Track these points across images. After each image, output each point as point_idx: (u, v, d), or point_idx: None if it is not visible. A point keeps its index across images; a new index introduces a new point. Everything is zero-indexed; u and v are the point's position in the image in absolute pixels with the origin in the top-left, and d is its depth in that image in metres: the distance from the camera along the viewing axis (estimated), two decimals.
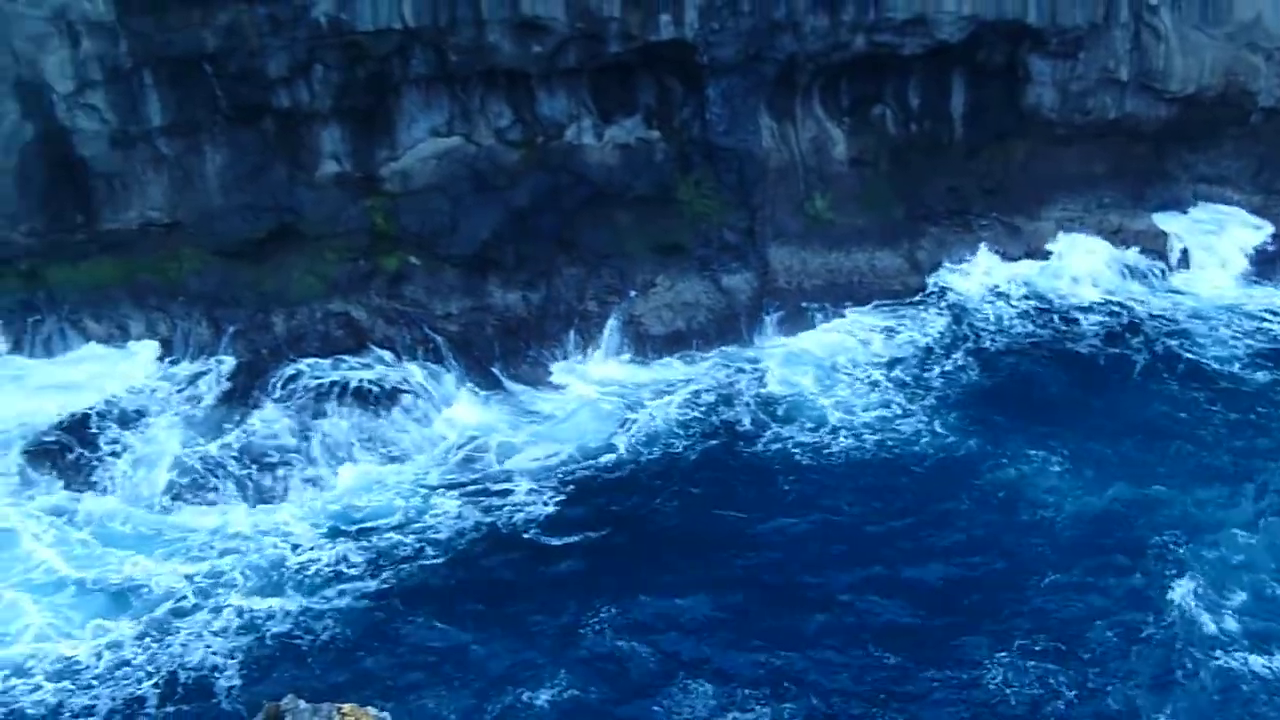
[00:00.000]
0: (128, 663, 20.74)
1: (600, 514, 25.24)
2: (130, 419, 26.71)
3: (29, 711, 19.65)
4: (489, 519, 24.83)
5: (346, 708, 5.03)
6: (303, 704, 5.15)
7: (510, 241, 31.20)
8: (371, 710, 5.14)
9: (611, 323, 31.18)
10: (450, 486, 25.85)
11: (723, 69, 32.11)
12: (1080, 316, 33.08)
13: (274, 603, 22.23)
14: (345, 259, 30.69)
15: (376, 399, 28.40)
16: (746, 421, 28.42)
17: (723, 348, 31.34)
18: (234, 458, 26.00)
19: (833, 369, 30.40)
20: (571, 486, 26.07)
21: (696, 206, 32.50)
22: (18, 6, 27.60)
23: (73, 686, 20.14)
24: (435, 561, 23.66)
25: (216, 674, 20.56)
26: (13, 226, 28.94)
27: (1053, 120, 35.58)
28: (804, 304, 32.66)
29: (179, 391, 27.84)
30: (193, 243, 30.08)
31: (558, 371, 30.43)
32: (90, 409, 26.97)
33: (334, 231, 30.67)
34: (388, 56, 30.23)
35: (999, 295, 33.69)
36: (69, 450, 25.76)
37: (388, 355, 29.71)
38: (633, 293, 31.82)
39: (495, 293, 31.12)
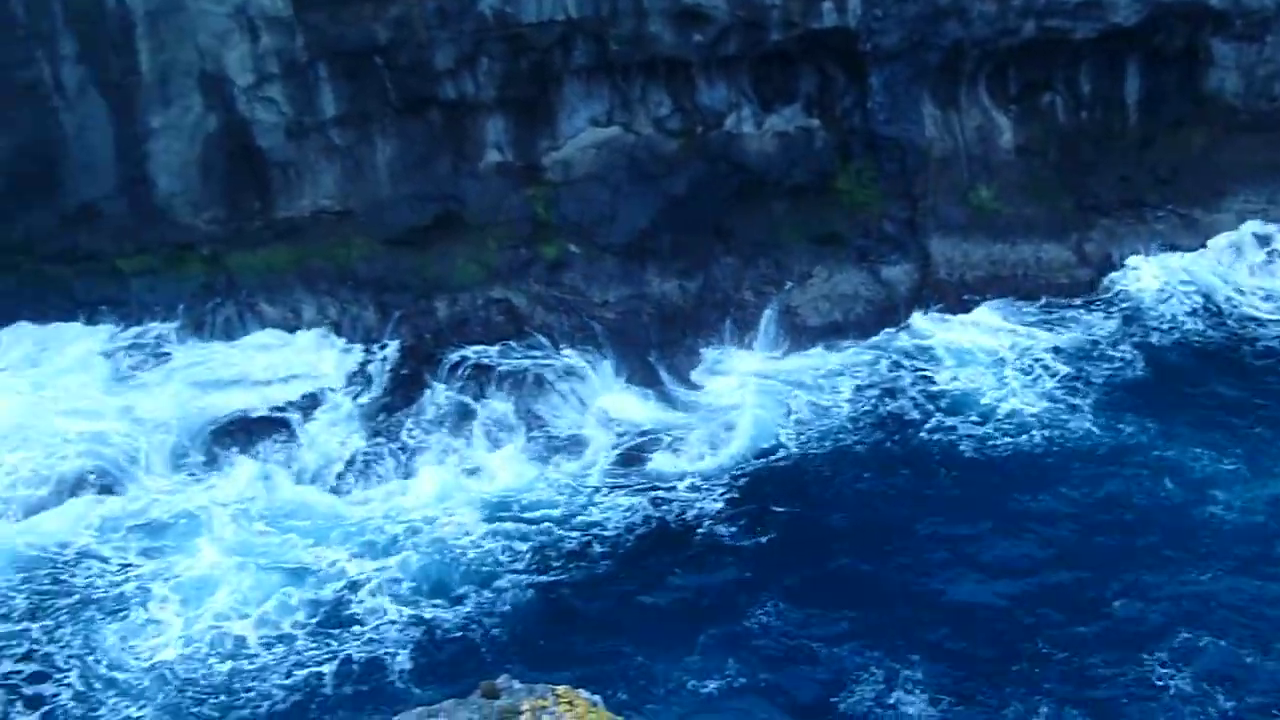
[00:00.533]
0: (302, 646, 21.42)
1: (766, 507, 25.11)
2: (304, 403, 27.66)
3: (204, 690, 20.45)
4: (653, 511, 24.92)
5: (561, 689, 5.10)
6: (517, 684, 5.25)
7: (668, 230, 31.31)
8: (584, 693, 5.19)
9: (768, 313, 31.01)
10: (610, 476, 26.07)
11: (885, 56, 31.58)
12: (1258, 315, 31.50)
13: (443, 589, 22.73)
14: (506, 247, 31.24)
15: (536, 386, 28.83)
16: (911, 414, 27.90)
17: (881, 340, 30.85)
18: (402, 442, 26.71)
19: (997, 362, 29.64)
20: (737, 479, 26.01)
21: (856, 196, 32.08)
22: (202, 4, 28.85)
23: (249, 667, 20.88)
24: (600, 551, 23.87)
25: (388, 658, 21.09)
26: (196, 214, 30.36)
27: (1235, 107, 33.92)
28: (966, 296, 31.92)
29: (349, 375, 28.71)
30: (362, 230, 31.03)
31: (713, 361, 30.38)
32: (267, 393, 27.98)
33: (496, 220, 31.24)
34: (550, 48, 30.63)
35: (1172, 291, 32.29)
36: (248, 433, 26.79)
37: (546, 342, 30.16)
38: (789, 283, 31.58)
39: (652, 281, 31.28)
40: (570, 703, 4.96)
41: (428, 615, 22.23)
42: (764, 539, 24.21)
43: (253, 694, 20.21)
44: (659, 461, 26.63)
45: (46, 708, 19.78)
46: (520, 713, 4.78)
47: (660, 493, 25.50)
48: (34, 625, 21.40)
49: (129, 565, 22.90)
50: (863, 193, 32.15)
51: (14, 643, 21.14)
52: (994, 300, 31.77)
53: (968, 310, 31.57)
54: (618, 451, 26.91)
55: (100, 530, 23.71)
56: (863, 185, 32.18)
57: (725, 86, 32.07)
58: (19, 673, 20.46)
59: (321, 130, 30.47)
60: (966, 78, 32.95)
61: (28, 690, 20.11)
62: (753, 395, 28.70)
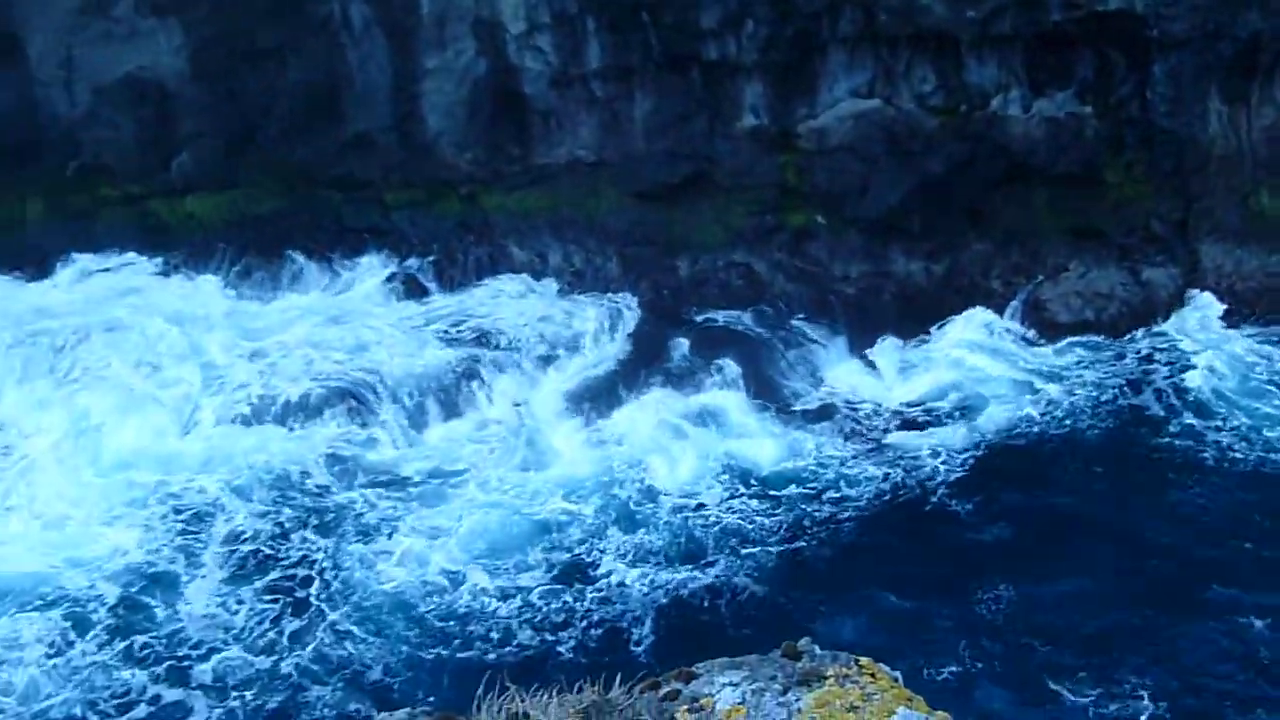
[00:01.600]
0: (539, 599, 21.75)
1: (1005, 487, 24.62)
2: (546, 351, 28.42)
3: (437, 629, 21.06)
4: (895, 482, 24.66)
5: (864, 660, 5.05)
6: (819, 649, 5.24)
7: (919, 209, 30.60)
8: (884, 668, 5.15)
9: (1014, 304, 30.00)
10: (847, 447, 25.89)
11: (1173, 44, 29.78)
12: None
13: (690, 554, 22.85)
14: (752, 212, 31.21)
15: (770, 353, 28.84)
16: (1155, 414, 26.58)
17: (1133, 342, 29.39)
18: (640, 400, 27.13)
19: (1256, 377, 27.82)
20: (976, 456, 25.51)
21: (1125, 191, 30.50)
22: None
23: (485, 613, 21.35)
24: (845, 519, 23.73)
25: (632, 626, 21.20)
26: (459, 153, 31.53)
27: None
28: (1231, 307, 30.02)
29: (589, 327, 29.33)
30: (613, 182, 31.56)
31: (950, 347, 29.63)
32: (510, 334, 28.90)
33: (745, 184, 31.22)
34: (817, 14, 30.22)
35: None
36: (493, 376, 27.62)
37: (784, 311, 30.07)
38: (1041, 275, 30.41)
39: (897, 260, 30.70)
40: (873, 675, 4.92)
41: (673, 578, 22.26)
42: (1005, 518, 23.69)
43: (487, 640, 20.70)
44: (896, 436, 26.27)
45: (293, 619, 21.00)
46: (825, 677, 4.77)
47: (900, 465, 25.20)
48: (290, 537, 22.79)
49: (379, 495, 24.00)
50: (1132, 188, 30.54)
51: (269, 552, 22.53)
52: (1264, 315, 29.74)
53: (1233, 321, 29.68)
54: (853, 423, 26.63)
55: (353, 458, 24.92)
56: (1133, 180, 30.57)
57: (995, 66, 30.93)
58: (274, 582, 21.81)
59: (584, 81, 31.06)
60: (1262, 73, 30.74)
61: (275, 603, 21.38)
62: (990, 379, 27.92)
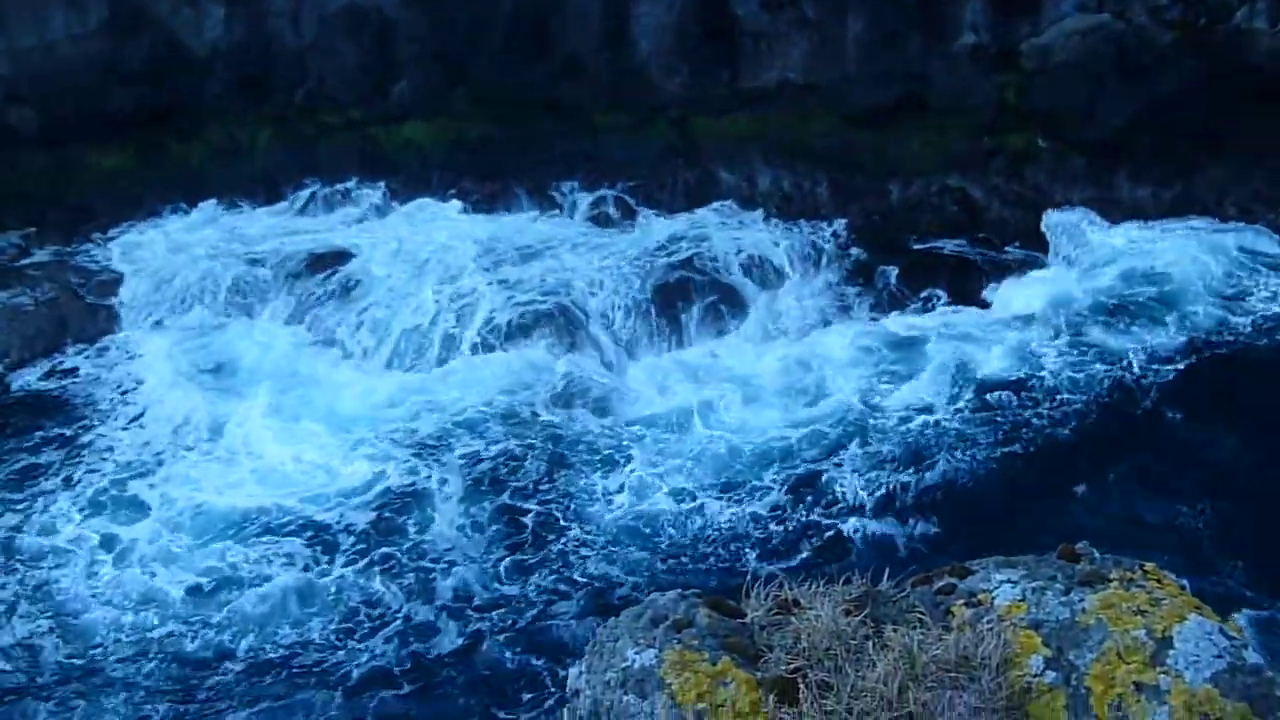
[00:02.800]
0: (776, 526, 21.72)
1: (1216, 391, 24.07)
2: (758, 275, 28.49)
3: (663, 552, 21.34)
4: (1108, 383, 24.32)
5: (1149, 566, 4.96)
6: (1096, 553, 5.18)
7: (1148, 131, 29.07)
8: (1170, 575, 5.06)
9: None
10: (1058, 346, 25.63)
11: None
12: None
13: (908, 461, 22.77)
14: (968, 134, 30.21)
15: (981, 275, 28.31)
16: None
17: None
18: (850, 324, 27.09)
19: None
20: (1182, 360, 24.89)
21: None
22: None
23: (712, 536, 21.56)
24: (1067, 426, 23.38)
25: (872, 534, 21.16)
26: (668, 77, 31.41)
27: None
28: None
29: (799, 251, 29.20)
30: (823, 105, 30.98)
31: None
32: (719, 260, 28.98)
33: (961, 106, 30.20)
34: None
35: None
36: (703, 301, 27.81)
37: (997, 238, 29.33)
38: None
39: (1123, 186, 29.38)
40: (1159, 580, 4.83)
41: (897, 486, 22.23)
42: (1227, 422, 23.29)
43: (725, 560, 20.96)
44: (1102, 336, 25.77)
45: (530, 545, 21.94)
46: (1109, 580, 4.71)
47: (1113, 366, 24.76)
48: (524, 464, 23.68)
49: (603, 424, 24.64)
50: None
51: (503, 480, 23.45)
52: None
53: None
54: (1060, 324, 26.23)
55: (573, 386, 25.53)
56: None
57: None
58: (510, 509, 22.81)
59: (795, 3, 30.41)
60: None
61: (512, 529, 22.37)
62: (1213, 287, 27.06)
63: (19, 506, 22.74)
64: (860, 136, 30.78)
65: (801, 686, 3.78)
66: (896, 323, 27.14)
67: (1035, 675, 4.24)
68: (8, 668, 19.37)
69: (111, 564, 21.28)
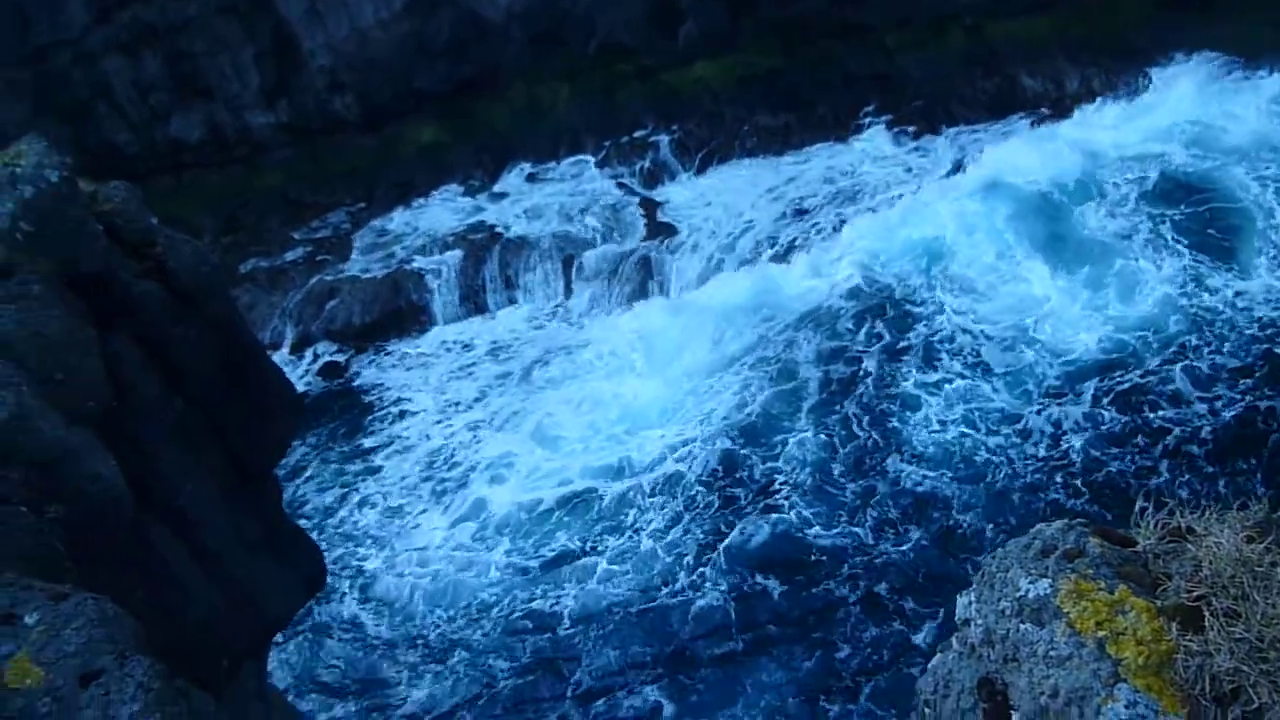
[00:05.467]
0: (1113, 446, 21.04)
1: None
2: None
3: (959, 476, 21.03)
4: None
5: None
6: None
7: None
8: None
9: None
10: None
11: None
12: None
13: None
14: None
15: None
16: None
17: None
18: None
19: None
20: None
21: None
22: None
23: (976, 463, 21.20)
24: None
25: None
26: None
27: None
28: None
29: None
30: None
31: None
32: (1025, 174, 27.62)
33: None
34: None
35: None
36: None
37: None
38: None
39: None
40: None
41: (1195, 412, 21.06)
42: None
43: (1067, 479, 20.72)
44: None
45: (872, 456, 21.97)
46: None
47: None
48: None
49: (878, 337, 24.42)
50: None
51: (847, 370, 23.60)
52: None
53: None
54: None
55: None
56: None
57: None
58: (848, 417, 22.89)
59: None
60: None
61: (856, 437, 22.40)
62: None
63: (360, 476, 24.27)
64: (1174, 20, 28.52)
65: (1206, 614, 3.66)
66: None
67: None
68: (365, 632, 20.73)
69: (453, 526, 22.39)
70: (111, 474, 8.26)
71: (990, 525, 19.76)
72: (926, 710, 3.84)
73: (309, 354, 28.30)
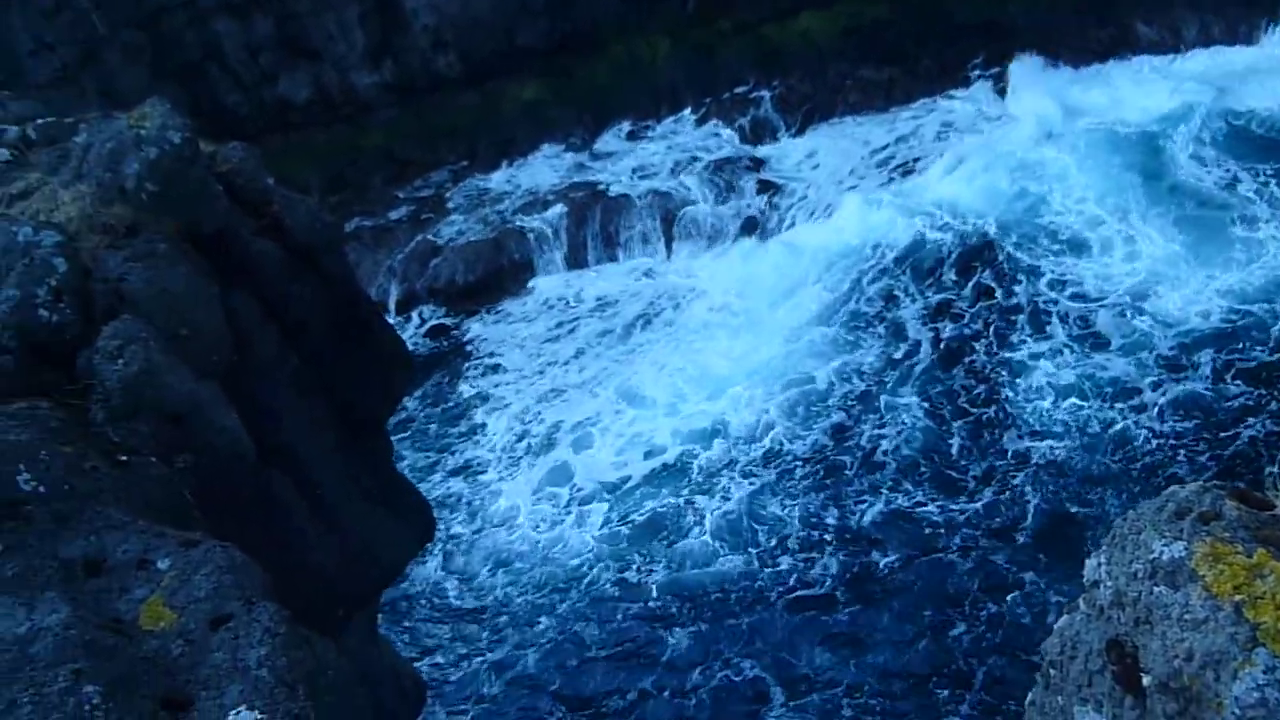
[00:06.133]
0: None
1: None
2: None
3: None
4: None
5: None
6: None
7: None
8: None
9: None
10: None
11: None
12: None
13: None
14: None
15: None
16: None
17: None
18: None
19: None
20: None
21: None
22: None
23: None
24: None
25: None
26: None
27: None
28: None
29: None
30: None
31: None
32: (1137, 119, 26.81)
33: None
34: None
35: None
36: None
37: None
38: None
39: None
40: None
41: None
42: None
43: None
44: None
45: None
46: None
47: None
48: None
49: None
50: None
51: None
52: None
53: None
54: None
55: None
56: None
57: None
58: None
59: None
60: None
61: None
62: None
63: (453, 437, 24.54)
64: None
65: None
66: None
67: None
68: (449, 595, 20.86)
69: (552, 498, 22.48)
70: (235, 426, 8.52)
71: (1111, 500, 19.21)
72: (1052, 671, 3.80)
73: (414, 313, 28.77)
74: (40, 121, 10.56)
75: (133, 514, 6.68)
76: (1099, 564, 3.77)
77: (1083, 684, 3.65)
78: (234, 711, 5.39)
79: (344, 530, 10.24)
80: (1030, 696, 3.97)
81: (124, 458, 7.28)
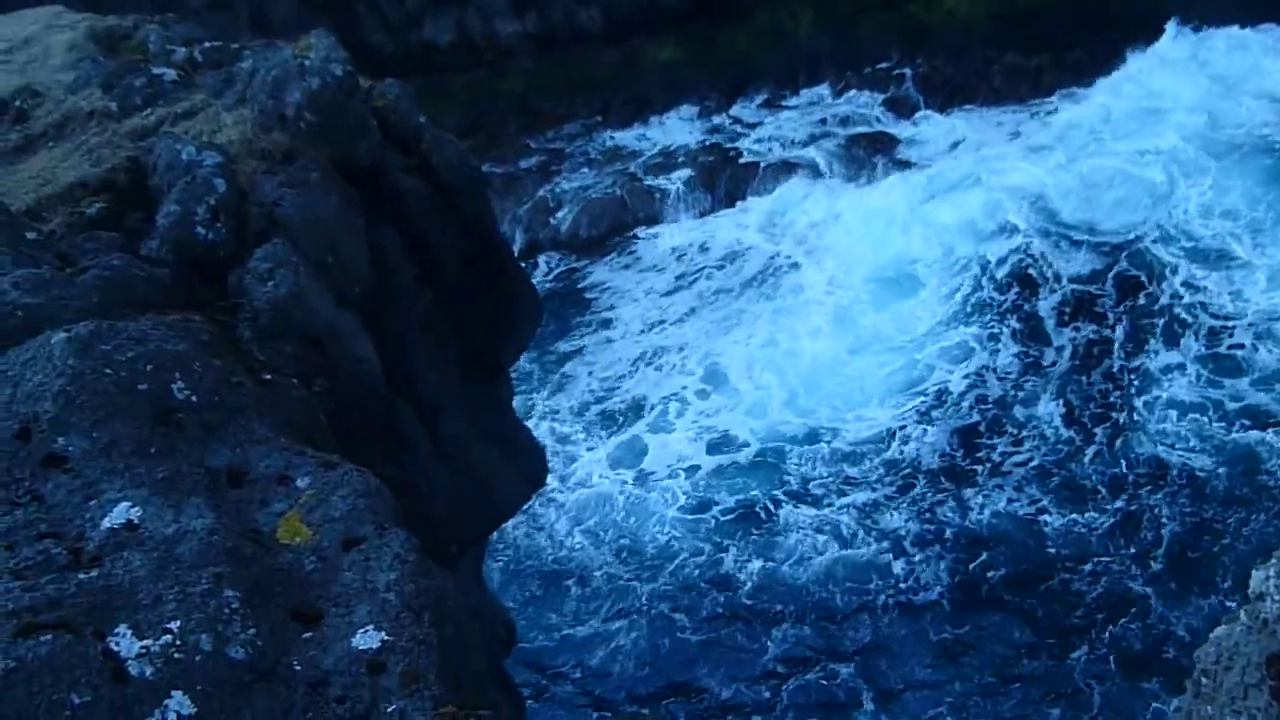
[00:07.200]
0: None
1: None
2: None
3: None
4: None
5: None
6: None
7: None
8: None
9: None
10: None
11: None
12: None
13: None
14: None
15: None
16: None
17: None
18: None
19: None
20: None
21: None
22: None
23: None
24: None
25: None
26: None
27: None
28: None
29: None
30: None
31: None
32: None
33: None
34: None
35: None
36: None
37: None
38: None
39: None
40: None
41: None
42: None
43: None
44: None
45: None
46: None
47: None
48: None
49: None
50: None
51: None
52: None
53: None
54: None
55: None
56: None
57: None
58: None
59: None
60: None
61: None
62: None
63: (546, 394, 24.27)
64: None
65: None
66: None
67: None
68: (528, 560, 20.51)
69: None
70: (371, 357, 8.71)
71: (1251, 528, 18.05)
72: (1204, 680, 3.69)
73: (537, 261, 29.00)
74: (207, 45, 10.86)
75: (275, 431, 6.85)
76: (1267, 576, 3.64)
77: (1237, 696, 3.54)
78: (361, 630, 5.50)
79: (462, 468, 10.42)
80: (1176, 703, 3.87)
81: (268, 376, 7.47)
